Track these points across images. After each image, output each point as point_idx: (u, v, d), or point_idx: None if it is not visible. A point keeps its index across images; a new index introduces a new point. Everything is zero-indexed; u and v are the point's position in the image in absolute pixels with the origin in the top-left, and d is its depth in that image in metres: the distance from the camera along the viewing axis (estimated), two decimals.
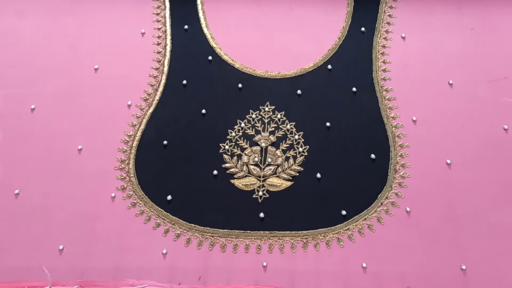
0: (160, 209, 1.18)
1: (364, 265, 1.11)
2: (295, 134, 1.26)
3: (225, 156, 1.23)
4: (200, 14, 1.42)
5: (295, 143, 1.25)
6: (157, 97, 1.32)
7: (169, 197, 1.18)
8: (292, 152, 1.24)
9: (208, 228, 1.15)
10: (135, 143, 1.25)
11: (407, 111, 1.30)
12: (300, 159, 1.23)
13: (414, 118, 1.29)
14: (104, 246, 1.13)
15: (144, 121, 1.28)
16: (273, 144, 1.25)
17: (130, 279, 1.09)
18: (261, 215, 1.16)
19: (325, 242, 1.14)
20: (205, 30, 1.40)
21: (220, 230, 1.15)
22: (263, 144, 1.24)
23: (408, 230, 1.15)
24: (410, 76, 1.35)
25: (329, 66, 1.36)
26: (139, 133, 1.27)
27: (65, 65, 1.36)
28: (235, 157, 1.23)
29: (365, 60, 1.37)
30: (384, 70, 1.36)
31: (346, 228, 1.15)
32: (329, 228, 1.15)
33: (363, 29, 1.41)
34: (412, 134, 1.27)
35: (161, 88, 1.33)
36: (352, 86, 1.33)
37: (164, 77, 1.35)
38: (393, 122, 1.28)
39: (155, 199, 1.19)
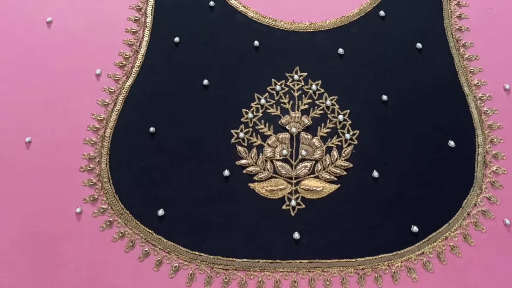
0: (148, 230, 0.81)
1: None
2: (339, 114, 0.88)
3: (239, 148, 0.85)
4: None
5: (339, 127, 0.87)
6: (138, 63, 0.92)
7: (160, 212, 0.81)
8: (336, 141, 0.86)
9: (219, 257, 0.79)
10: (109, 132, 0.87)
11: (496, 75, 0.91)
12: (347, 150, 0.85)
13: (507, 86, 0.90)
14: (67, 287, 0.77)
15: (121, 98, 0.89)
16: (307, 129, 0.87)
17: None
18: (296, 235, 0.80)
19: (391, 274, 0.78)
20: None
21: (237, 260, 0.79)
22: (294, 130, 0.86)
23: (510, 252, 0.80)
24: (498, 25, 0.95)
25: (382, 13, 0.96)
26: (113, 117, 0.88)
27: (3, 18, 0.95)
28: (254, 150, 0.85)
29: (432, 3, 0.97)
30: (459, 17, 0.97)
31: (420, 252, 0.80)
32: (395, 253, 0.79)
33: None
34: (505, 109, 0.89)
35: (143, 50, 0.93)
36: (416, 40, 0.93)
37: (147, 32, 0.94)
38: (477, 93, 0.90)
39: (140, 215, 0.82)
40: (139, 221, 0.81)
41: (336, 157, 0.85)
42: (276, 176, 0.84)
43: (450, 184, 0.83)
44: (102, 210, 0.82)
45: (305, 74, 0.91)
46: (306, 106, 0.88)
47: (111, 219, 0.81)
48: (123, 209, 0.82)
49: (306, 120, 0.87)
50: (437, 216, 0.82)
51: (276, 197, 0.83)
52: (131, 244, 0.80)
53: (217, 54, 0.92)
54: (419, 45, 0.93)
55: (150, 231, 0.81)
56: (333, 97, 0.89)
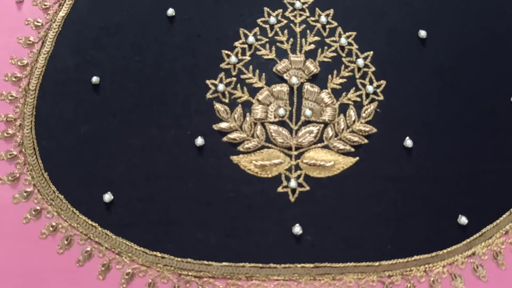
0: (90, 222, 0.58)
1: None
2: (358, 57, 0.63)
3: (218, 106, 0.61)
4: None
5: (358, 76, 0.62)
6: None
7: (107, 197, 0.58)
8: (353, 95, 0.61)
9: (190, 260, 0.56)
10: (34, 83, 0.62)
11: None
12: (370, 108, 0.61)
13: None
14: None
15: (52, 35, 0.64)
16: (313, 78, 0.62)
17: None
18: (296, 229, 0.57)
19: (429, 284, 0.56)
20: None
21: (214, 264, 0.56)
22: (294, 80, 0.61)
23: None
24: None
25: None
26: (41, 62, 0.63)
27: None
28: (239, 109, 0.61)
29: None
30: None
31: (470, 252, 0.57)
32: (434, 253, 0.57)
33: None
34: None
35: None
36: None
37: None
38: None
39: (79, 201, 0.58)
40: (77, 210, 0.58)
41: (353, 118, 0.61)
42: (270, 145, 0.60)
43: (510, 157, 0.60)
44: (25, 194, 0.59)
45: (311, 0, 0.65)
46: (312, 46, 0.63)
47: (38, 207, 0.58)
48: (55, 193, 0.59)
49: (312, 66, 0.62)
50: (494, 203, 0.58)
51: (270, 175, 0.59)
52: (66, 242, 0.57)
53: None
54: None
55: (93, 224, 0.58)
56: (350, 33, 0.63)
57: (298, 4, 0.64)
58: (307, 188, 0.58)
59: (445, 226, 0.58)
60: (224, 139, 0.60)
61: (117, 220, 0.58)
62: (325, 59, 0.62)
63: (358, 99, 0.61)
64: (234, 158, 0.59)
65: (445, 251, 0.57)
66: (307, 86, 0.61)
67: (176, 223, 0.58)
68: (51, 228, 0.57)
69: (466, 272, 0.57)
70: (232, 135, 0.60)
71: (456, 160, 0.59)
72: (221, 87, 0.61)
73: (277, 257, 0.57)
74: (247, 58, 0.62)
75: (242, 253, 0.57)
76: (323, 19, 0.64)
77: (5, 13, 0.65)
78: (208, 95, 0.61)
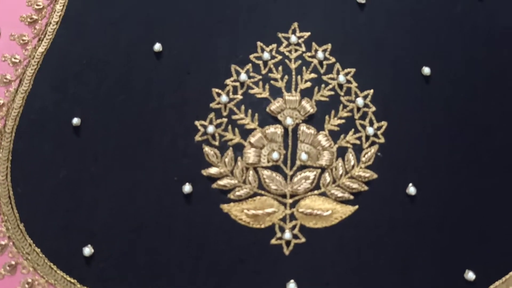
0: (69, 279, 0.54)
1: None
2: (358, 96, 0.58)
3: (207, 149, 0.57)
4: None
5: (357, 117, 0.58)
6: (55, 18, 0.61)
7: (87, 251, 0.54)
8: (352, 138, 0.57)
9: None
10: (11, 125, 0.58)
11: None
12: (370, 152, 0.57)
13: None
14: None
15: (30, 72, 0.60)
16: (310, 119, 0.58)
17: None
18: (291, 286, 0.53)
19: None
20: None
21: None
22: (289, 121, 0.57)
23: None
24: None
25: None
26: (18, 101, 0.58)
27: None
28: (229, 152, 0.57)
29: None
30: None
31: None
32: None
33: None
34: None
35: None
36: None
37: None
38: None
39: (57, 255, 0.54)
40: (55, 265, 0.54)
41: (352, 163, 0.56)
42: (263, 192, 0.56)
43: None
44: None
45: (307, 34, 0.60)
46: (309, 84, 0.59)
47: (13, 262, 0.54)
48: (31, 246, 0.54)
49: (308, 106, 0.58)
50: (503, 255, 0.54)
51: (263, 226, 0.55)
52: None
53: (174, 2, 0.61)
54: None
55: (72, 281, 0.53)
56: (348, 70, 0.59)
57: (293, 39, 0.60)
58: (303, 240, 0.54)
59: (451, 282, 0.53)
60: (214, 185, 0.56)
61: (98, 275, 0.53)
62: (322, 98, 0.58)
63: (358, 141, 0.57)
64: (225, 207, 0.55)
65: None
66: (303, 127, 0.57)
67: (163, 279, 0.53)
68: (26, 285, 0.53)
69: None
70: (222, 182, 0.56)
71: (464, 208, 0.55)
72: (211, 128, 0.57)
73: None
74: (239, 97, 0.58)
75: None
76: (320, 54, 0.59)
77: None
78: (197, 138, 0.57)
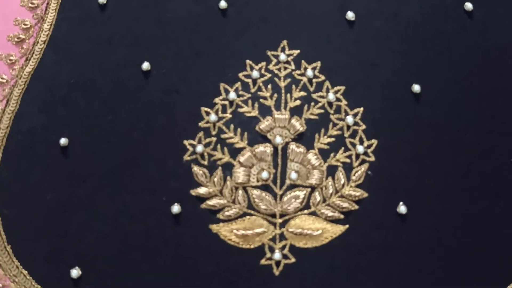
0: None
1: None
2: (347, 114, 0.58)
3: (196, 169, 0.56)
4: None
5: (347, 135, 0.57)
6: (43, 37, 0.61)
7: (75, 273, 0.53)
8: (342, 155, 0.57)
9: None
10: None
11: None
12: (361, 170, 0.56)
13: None
14: None
15: (17, 93, 0.59)
16: (299, 137, 0.57)
17: None
18: None
19: None
20: None
21: None
22: (279, 140, 0.57)
23: None
24: None
25: None
26: (5, 122, 0.58)
27: None
28: (218, 172, 0.56)
29: None
30: None
31: None
32: None
33: None
34: None
35: (51, 16, 0.62)
36: None
37: None
38: None
39: (44, 277, 0.53)
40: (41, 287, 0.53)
41: (342, 181, 0.56)
42: (252, 212, 0.55)
43: None
44: None
45: (297, 52, 0.60)
46: (298, 102, 0.58)
47: (0, 285, 0.54)
48: (19, 269, 0.54)
49: (298, 125, 0.57)
50: (497, 275, 0.54)
51: (252, 246, 0.54)
52: None
53: (162, 21, 0.61)
54: (469, 6, 0.62)
55: None
56: (338, 87, 0.59)
57: (282, 57, 0.60)
58: (293, 260, 0.54)
59: None
60: (203, 206, 0.55)
61: None
62: (312, 116, 0.58)
63: (348, 160, 0.56)
64: (214, 227, 0.55)
65: None
66: (293, 146, 0.57)
67: None
68: None
69: None
70: (211, 202, 0.55)
71: (455, 229, 0.55)
72: (199, 148, 0.57)
73: None
74: (228, 115, 0.58)
75: None
76: (309, 72, 0.59)
77: None
78: (186, 157, 0.57)
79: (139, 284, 0.53)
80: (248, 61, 0.60)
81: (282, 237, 0.54)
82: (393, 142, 0.57)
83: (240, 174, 0.56)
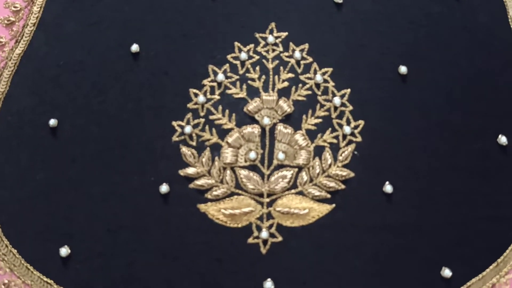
0: (45, 279, 0.53)
1: None
2: (335, 95, 0.59)
3: (184, 150, 0.57)
4: None
5: (334, 116, 0.58)
6: (32, 19, 0.61)
7: (64, 252, 0.54)
8: (329, 136, 0.57)
9: None
10: None
11: None
12: (348, 151, 0.57)
13: None
14: None
15: (6, 74, 0.60)
16: (287, 118, 0.58)
17: None
18: (268, 284, 0.53)
19: None
20: None
21: None
22: (266, 121, 0.57)
23: None
24: None
25: None
26: None
27: None
28: (207, 152, 0.57)
29: None
30: None
31: None
32: None
33: None
34: None
35: None
36: None
37: None
38: None
39: (33, 256, 0.54)
40: (32, 266, 0.54)
41: (329, 161, 0.56)
42: (240, 192, 0.56)
43: (501, 204, 0.56)
44: None
45: (285, 34, 0.61)
46: (286, 84, 0.59)
47: None
48: (8, 248, 0.54)
49: (286, 106, 0.58)
50: (480, 254, 0.54)
51: (240, 225, 0.55)
52: None
53: (152, 3, 0.62)
54: None
55: (49, 281, 0.53)
56: (326, 69, 0.59)
57: (270, 39, 0.60)
58: (280, 238, 0.54)
59: (428, 280, 0.53)
60: (191, 185, 0.56)
61: (75, 276, 0.53)
62: (300, 98, 0.58)
63: (335, 140, 0.57)
64: (202, 207, 0.55)
65: None
66: (280, 127, 0.57)
67: (140, 280, 0.53)
68: (3, 286, 0.53)
69: None
70: (200, 181, 0.56)
71: (441, 208, 0.55)
72: (188, 129, 0.57)
73: None
74: (216, 97, 0.58)
75: None
76: (297, 54, 0.60)
77: None
78: (174, 138, 0.57)
79: (128, 263, 0.54)
80: (236, 43, 0.60)
81: (269, 216, 0.55)
82: (379, 123, 0.58)
83: (228, 154, 0.56)
